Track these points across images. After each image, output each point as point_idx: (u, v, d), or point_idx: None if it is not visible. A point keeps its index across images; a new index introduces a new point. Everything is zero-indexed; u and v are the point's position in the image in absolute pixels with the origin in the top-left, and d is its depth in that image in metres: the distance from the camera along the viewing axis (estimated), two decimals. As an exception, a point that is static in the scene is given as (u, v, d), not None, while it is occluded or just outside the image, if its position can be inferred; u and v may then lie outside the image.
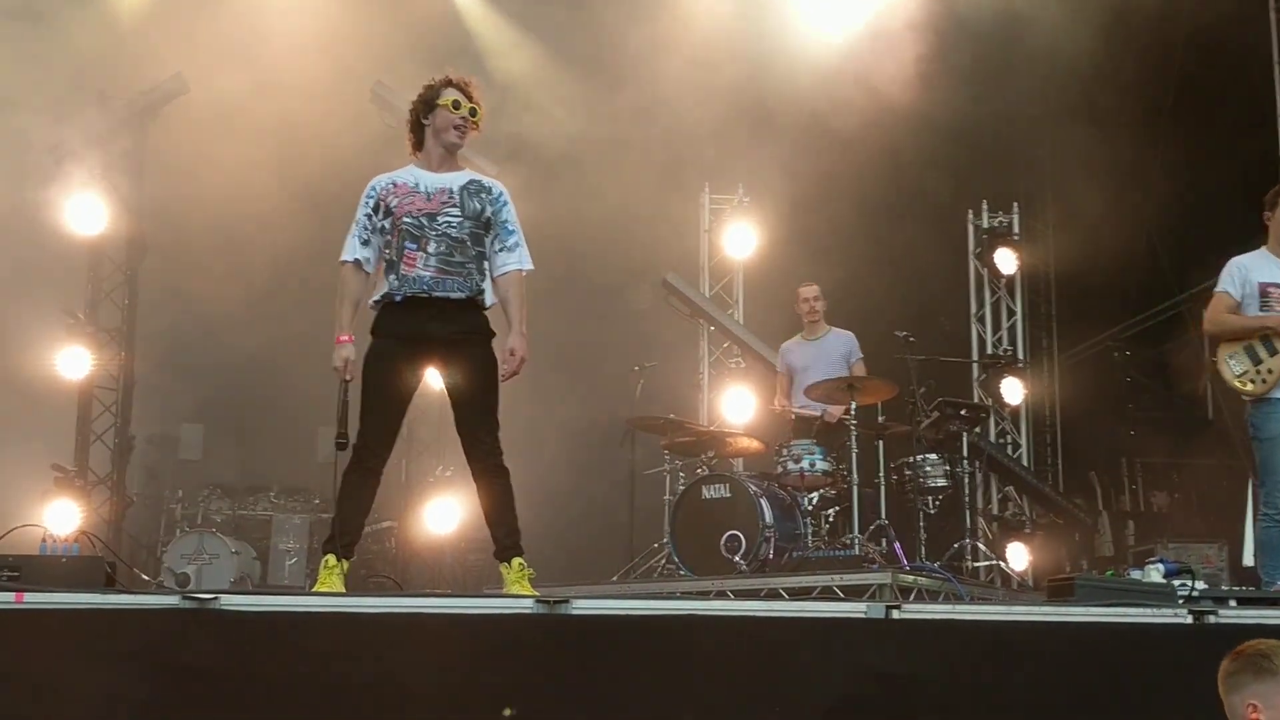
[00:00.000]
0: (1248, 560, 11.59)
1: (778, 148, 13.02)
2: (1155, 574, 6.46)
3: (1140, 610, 5.27)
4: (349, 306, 6.28)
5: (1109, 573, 8.25)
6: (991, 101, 13.47)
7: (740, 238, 12.82)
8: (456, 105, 6.37)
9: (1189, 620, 5.16)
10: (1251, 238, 12.03)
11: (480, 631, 5.13)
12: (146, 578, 11.03)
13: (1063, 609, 5.49)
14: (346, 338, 6.21)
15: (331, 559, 6.10)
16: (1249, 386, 7.31)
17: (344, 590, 6.10)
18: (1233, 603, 6.21)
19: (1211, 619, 5.17)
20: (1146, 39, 12.51)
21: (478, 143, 6.70)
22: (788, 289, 11.05)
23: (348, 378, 6.16)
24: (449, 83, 6.42)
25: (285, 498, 12.27)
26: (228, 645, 4.99)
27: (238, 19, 12.22)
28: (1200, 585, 6.24)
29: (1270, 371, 7.24)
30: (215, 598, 5.01)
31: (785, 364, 10.46)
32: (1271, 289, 7.38)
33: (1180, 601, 5.71)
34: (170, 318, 12.65)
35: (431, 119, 6.40)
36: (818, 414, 9.92)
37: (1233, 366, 7.35)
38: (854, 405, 9.42)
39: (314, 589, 6.24)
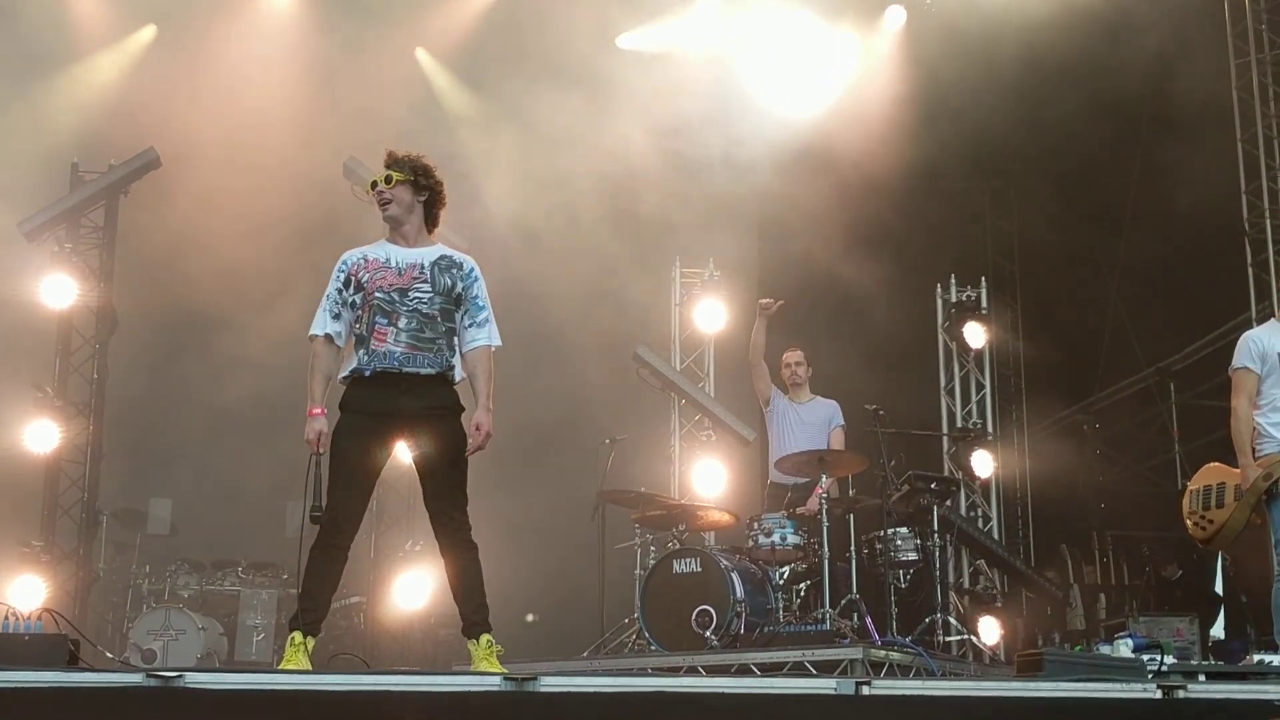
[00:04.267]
0: (1218, 633, 11.62)
1: (748, 223, 13.14)
2: (1125, 648, 6.47)
3: (1109, 685, 5.25)
4: (320, 380, 6.24)
5: (1078, 647, 8.26)
6: (958, 176, 13.64)
7: (711, 312, 12.87)
8: (374, 185, 6.43)
9: (1158, 695, 5.14)
10: (1220, 312, 12.23)
11: (447, 710, 5.08)
12: (111, 655, 10.89)
13: (1033, 684, 5.48)
14: (319, 410, 6.17)
15: (298, 636, 6.03)
16: (1190, 527, 7.59)
17: (310, 668, 6.02)
18: (1202, 677, 6.21)
19: (1181, 694, 5.14)
20: (1113, 115, 12.71)
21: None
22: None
23: (320, 451, 6.11)
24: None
25: (253, 573, 12.15)
26: (192, 724, 4.93)
27: (211, 93, 12.31)
28: (1170, 660, 6.25)
29: (1211, 522, 7.44)
30: (180, 675, 4.93)
31: (773, 405, 10.29)
32: None
33: (1149, 676, 5.69)
34: (139, 391, 12.62)
35: None
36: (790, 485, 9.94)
37: (1189, 502, 7.59)
38: (825, 478, 9.41)
39: (280, 666, 6.17)
